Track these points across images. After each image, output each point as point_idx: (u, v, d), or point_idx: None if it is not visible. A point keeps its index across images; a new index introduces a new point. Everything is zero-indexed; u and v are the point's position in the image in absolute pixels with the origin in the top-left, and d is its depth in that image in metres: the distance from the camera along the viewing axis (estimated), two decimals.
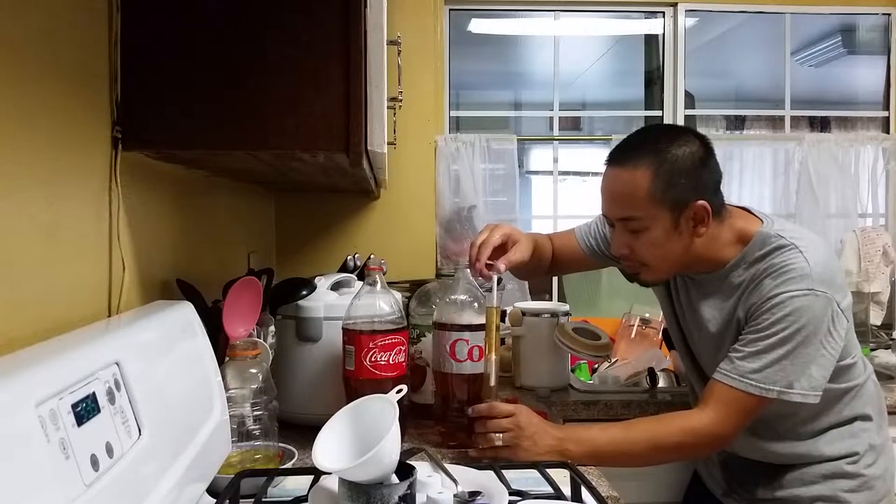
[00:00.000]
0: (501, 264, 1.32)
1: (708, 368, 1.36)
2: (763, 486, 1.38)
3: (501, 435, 1.21)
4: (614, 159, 1.30)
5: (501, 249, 1.36)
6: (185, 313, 1.00)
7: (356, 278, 1.54)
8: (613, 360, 1.93)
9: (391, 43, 1.53)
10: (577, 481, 0.99)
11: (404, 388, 0.97)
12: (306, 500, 0.92)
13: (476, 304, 1.31)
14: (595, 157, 3.00)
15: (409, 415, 1.37)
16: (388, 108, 1.61)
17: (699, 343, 1.41)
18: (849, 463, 1.33)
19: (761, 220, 1.34)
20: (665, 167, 1.25)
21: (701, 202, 1.26)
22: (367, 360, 1.24)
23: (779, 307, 1.22)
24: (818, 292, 1.22)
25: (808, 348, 1.22)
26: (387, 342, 1.24)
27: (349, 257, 1.99)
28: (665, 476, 1.66)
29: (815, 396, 1.23)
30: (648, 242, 1.28)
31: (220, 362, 1.08)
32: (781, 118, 2.89)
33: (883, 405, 1.42)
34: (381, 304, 1.27)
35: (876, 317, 2.54)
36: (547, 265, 1.59)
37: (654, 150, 1.27)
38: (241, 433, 1.11)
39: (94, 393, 0.65)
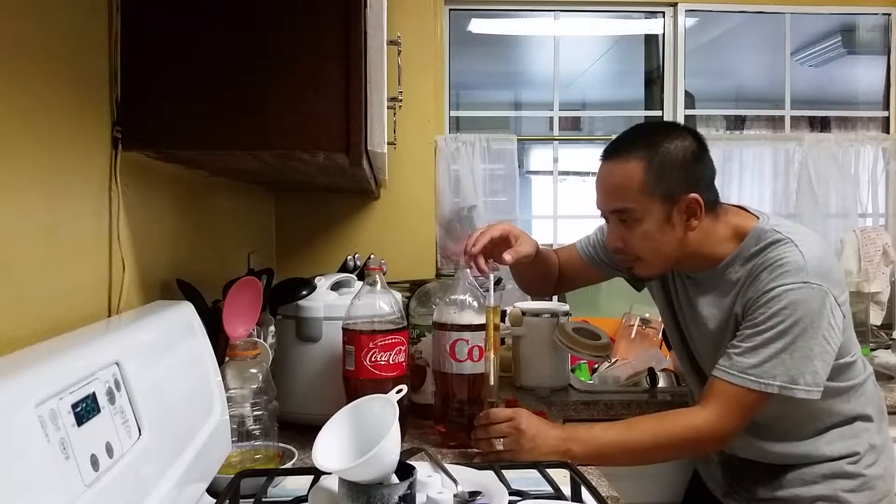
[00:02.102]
0: (507, 255, 1.33)
1: (707, 368, 1.36)
2: (764, 485, 1.38)
3: (502, 440, 1.21)
4: (608, 153, 1.33)
5: (505, 245, 1.36)
6: (185, 313, 1.00)
7: (356, 278, 1.54)
8: (613, 360, 1.93)
9: (391, 43, 1.53)
10: (577, 481, 0.99)
11: (404, 388, 0.97)
12: (306, 500, 0.92)
13: (476, 304, 1.31)
14: (595, 158, 2.99)
15: (409, 415, 1.37)
16: (388, 108, 1.61)
17: (699, 343, 1.41)
18: (849, 463, 1.33)
19: (757, 217, 1.34)
20: (657, 159, 1.26)
21: (693, 195, 1.27)
22: (367, 360, 1.24)
23: (774, 301, 1.22)
24: (814, 285, 1.21)
25: (808, 342, 1.21)
26: (387, 342, 1.25)
27: (349, 257, 1.99)
28: (665, 476, 1.66)
29: (818, 392, 1.23)
30: (641, 235, 1.29)
31: (220, 362, 1.08)
32: (781, 118, 2.89)
33: (883, 405, 1.42)
34: (381, 304, 1.27)
35: (876, 317, 2.53)
36: (555, 277, 1.59)
37: (648, 143, 1.29)
38: (241, 433, 1.11)
39: (94, 393, 0.65)
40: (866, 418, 1.36)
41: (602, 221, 1.57)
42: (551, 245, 2.56)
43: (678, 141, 1.29)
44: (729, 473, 1.46)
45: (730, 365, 1.24)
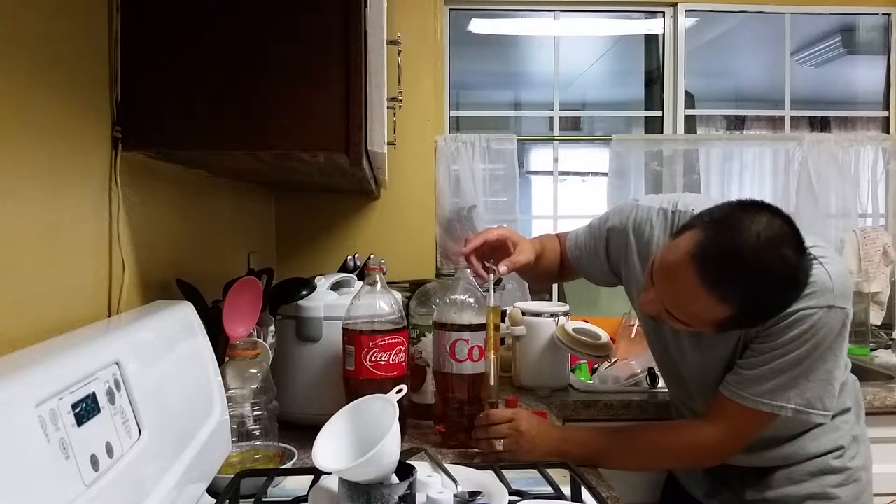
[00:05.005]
0: (503, 266, 1.30)
1: (694, 382, 1.32)
2: (751, 486, 1.34)
3: (502, 440, 1.21)
4: (706, 272, 1.07)
5: (504, 252, 1.34)
6: (185, 313, 1.00)
7: (356, 278, 1.54)
8: (613, 360, 1.93)
9: (391, 43, 1.53)
10: (577, 481, 0.99)
11: (404, 388, 0.97)
12: (306, 500, 0.92)
13: (476, 304, 1.31)
14: (595, 157, 2.99)
15: (409, 415, 1.37)
16: (388, 108, 1.61)
17: (690, 358, 1.33)
18: (835, 457, 1.31)
19: None
20: (748, 310, 1.10)
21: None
22: (367, 360, 1.24)
23: (796, 324, 1.15)
24: (837, 308, 1.16)
25: (826, 364, 1.18)
26: (387, 342, 1.25)
27: (349, 257, 2.00)
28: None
29: (831, 413, 1.21)
30: (683, 327, 1.18)
31: (220, 362, 1.08)
32: (781, 118, 2.89)
33: (860, 395, 1.40)
34: (381, 304, 1.27)
35: (876, 317, 2.53)
36: (557, 269, 1.53)
37: (752, 290, 1.08)
38: (241, 433, 1.11)
39: (94, 393, 0.65)
40: (846, 410, 1.34)
41: (593, 218, 1.51)
42: None
43: (785, 293, 1.11)
44: (712, 474, 1.41)
45: (743, 386, 1.19)
